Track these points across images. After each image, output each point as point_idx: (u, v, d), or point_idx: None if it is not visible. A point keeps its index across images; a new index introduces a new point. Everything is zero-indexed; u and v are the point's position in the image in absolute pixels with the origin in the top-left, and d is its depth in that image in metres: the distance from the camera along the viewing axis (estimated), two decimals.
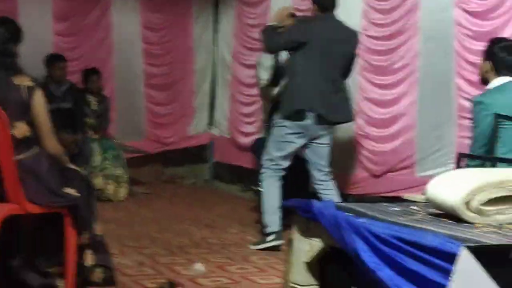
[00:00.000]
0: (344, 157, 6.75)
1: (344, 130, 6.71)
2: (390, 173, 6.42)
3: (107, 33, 8.02)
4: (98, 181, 7.04)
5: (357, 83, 6.56)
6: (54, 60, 7.10)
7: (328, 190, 5.36)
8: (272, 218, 5.20)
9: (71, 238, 3.43)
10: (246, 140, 7.81)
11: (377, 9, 6.51)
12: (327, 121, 5.27)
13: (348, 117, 5.52)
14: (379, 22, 6.50)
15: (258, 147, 6.05)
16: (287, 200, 3.36)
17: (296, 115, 5.20)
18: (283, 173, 5.35)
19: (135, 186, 7.72)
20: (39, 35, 7.34)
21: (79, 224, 3.45)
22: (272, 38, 5.37)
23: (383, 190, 6.38)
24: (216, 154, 8.72)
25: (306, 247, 2.83)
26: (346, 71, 5.44)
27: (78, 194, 3.41)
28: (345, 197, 6.45)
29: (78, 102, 7.21)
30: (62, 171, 3.47)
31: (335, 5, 5.39)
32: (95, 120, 7.41)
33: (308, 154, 5.37)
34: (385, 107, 6.47)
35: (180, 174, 8.85)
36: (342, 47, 5.32)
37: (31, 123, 3.30)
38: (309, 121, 5.19)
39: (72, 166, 3.63)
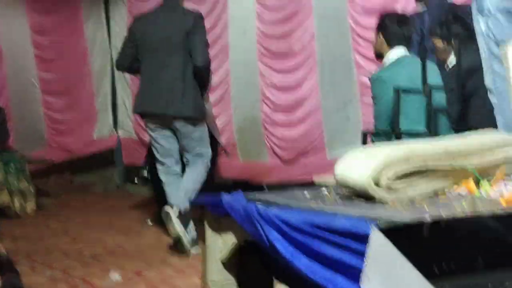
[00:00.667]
0: (254, 145, 6.73)
1: (251, 118, 6.68)
2: (301, 158, 6.43)
3: None
4: (4, 197, 6.76)
5: (258, 69, 6.52)
6: None
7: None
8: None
9: None
10: None
11: None
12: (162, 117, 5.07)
13: (181, 112, 5.02)
14: (272, 5, 6.46)
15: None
16: (195, 199, 3.28)
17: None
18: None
19: (43, 198, 7.45)
20: None
21: None
22: (117, 61, 5.39)
23: (296, 176, 6.37)
24: (125, 156, 8.51)
25: (220, 244, 2.74)
26: (186, 57, 5.02)
27: None
28: (260, 187, 6.42)
29: None
30: None
31: None
32: None
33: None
34: (288, 92, 6.46)
35: (90, 181, 8.61)
36: (165, 33, 5.02)
37: None
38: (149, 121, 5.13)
39: None
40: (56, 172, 8.28)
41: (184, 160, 5.20)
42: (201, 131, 5.17)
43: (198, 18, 5.10)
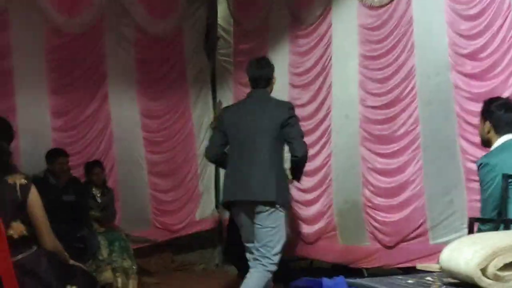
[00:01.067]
0: (355, 229, 6.65)
1: (352, 202, 6.64)
2: (403, 243, 6.29)
3: (106, 124, 8.04)
4: (107, 274, 6.90)
5: (360, 153, 6.51)
6: (55, 155, 7.03)
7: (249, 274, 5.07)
8: None
9: None
10: None
11: (373, 79, 6.52)
12: (244, 202, 5.08)
13: (266, 196, 5.01)
14: (376, 91, 6.50)
15: None
16: (295, 281, 3.26)
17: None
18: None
19: (145, 277, 7.56)
20: (38, 131, 7.39)
21: None
22: (206, 150, 5.58)
23: (397, 261, 6.24)
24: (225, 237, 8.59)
25: None
26: (276, 146, 5.11)
27: None
28: (359, 271, 6.31)
29: (82, 195, 7.12)
30: (62, 268, 3.37)
31: (264, 80, 5.23)
32: (100, 213, 7.31)
33: None
34: (390, 176, 6.40)
35: (190, 260, 8.70)
36: (258, 123, 5.10)
37: (27, 222, 3.22)
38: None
39: (73, 262, 3.52)
40: (158, 251, 8.42)
41: (248, 254, 5.14)
42: (278, 223, 5.08)
43: (292, 109, 5.20)
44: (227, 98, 8.47)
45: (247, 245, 5.16)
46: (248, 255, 5.16)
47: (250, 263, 5.10)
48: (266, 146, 5.07)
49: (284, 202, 5.15)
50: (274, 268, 5.00)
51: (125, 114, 8.17)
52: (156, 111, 8.40)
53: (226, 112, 5.39)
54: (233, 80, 8.38)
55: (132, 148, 8.24)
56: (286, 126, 5.07)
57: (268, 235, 5.01)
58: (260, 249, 5.03)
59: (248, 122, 5.12)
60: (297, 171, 5.26)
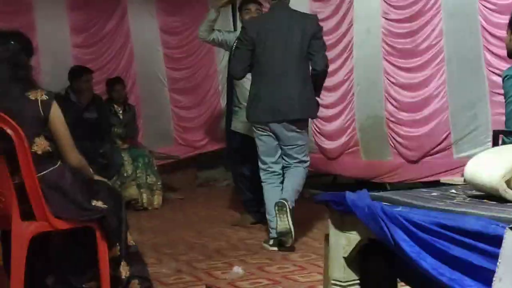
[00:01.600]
0: (377, 144, 6.64)
1: (375, 117, 6.60)
2: (426, 158, 6.28)
3: (126, 41, 8.00)
4: (132, 191, 7.02)
5: (383, 68, 6.44)
6: (80, 72, 6.93)
7: (287, 177, 5.18)
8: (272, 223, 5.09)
9: (103, 251, 3.35)
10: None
11: None
12: (278, 121, 5.06)
13: (304, 113, 5.11)
14: (398, 4, 6.36)
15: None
16: (319, 195, 3.27)
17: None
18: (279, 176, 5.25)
19: (169, 193, 7.68)
20: (57, 49, 7.38)
21: (110, 237, 3.36)
22: (233, 67, 5.34)
23: (421, 176, 6.25)
24: None
25: (343, 242, 2.72)
26: (305, 59, 5.05)
27: (106, 206, 3.33)
28: (383, 185, 6.34)
29: (104, 112, 7.14)
30: (87, 183, 3.40)
31: None
32: (123, 129, 7.35)
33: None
34: (414, 90, 6.34)
35: (214, 177, 8.78)
36: (289, 38, 5.02)
37: (50, 138, 3.23)
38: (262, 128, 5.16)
39: (98, 178, 3.56)
40: (182, 168, 8.51)
41: (285, 163, 5.22)
42: (305, 138, 5.27)
43: (318, 22, 5.17)
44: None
45: (266, 159, 5.21)
46: (266, 167, 5.23)
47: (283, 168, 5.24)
48: (297, 61, 5.03)
49: (313, 115, 5.39)
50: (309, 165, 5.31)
51: (144, 30, 8.13)
52: (176, 27, 8.32)
53: (250, 27, 5.19)
54: None
55: (153, 65, 8.23)
56: (313, 38, 5.02)
57: (303, 150, 5.21)
58: (294, 162, 5.18)
59: (277, 37, 5.04)
60: (317, 85, 5.20)
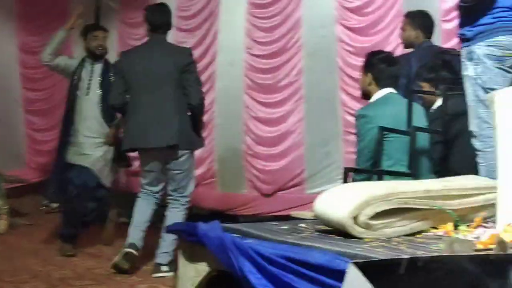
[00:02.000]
0: (234, 177, 6.68)
1: (233, 149, 6.65)
2: (280, 192, 6.40)
3: None
4: None
5: (243, 101, 6.52)
6: None
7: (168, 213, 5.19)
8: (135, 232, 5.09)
9: None
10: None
11: (260, 27, 6.50)
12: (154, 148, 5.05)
13: (169, 140, 4.98)
14: (262, 40, 6.49)
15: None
16: (172, 225, 3.23)
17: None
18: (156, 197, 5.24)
19: (16, 218, 7.32)
20: None
21: None
22: (111, 96, 5.25)
23: (274, 209, 6.33)
24: None
25: (192, 273, 2.69)
26: (179, 91, 5.03)
27: None
28: (236, 218, 6.36)
29: None
30: None
31: (165, 26, 5.18)
32: None
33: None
34: (272, 125, 6.45)
35: None
36: (158, 69, 5.02)
37: None
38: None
39: None
40: (31, 192, 8.17)
41: (168, 193, 5.19)
42: (190, 163, 5.19)
43: (191, 55, 5.19)
44: (111, 37, 8.20)
45: (151, 188, 5.17)
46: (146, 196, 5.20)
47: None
48: (169, 91, 5.00)
49: (190, 145, 5.18)
50: (188, 205, 5.22)
51: (2, 48, 7.79)
52: (36, 47, 8.02)
53: (126, 58, 5.20)
54: (119, 19, 8.11)
55: (8, 84, 7.90)
56: (186, 72, 5.02)
57: (181, 178, 5.12)
58: (172, 192, 5.15)
59: (150, 68, 5.02)
60: (195, 120, 5.17)
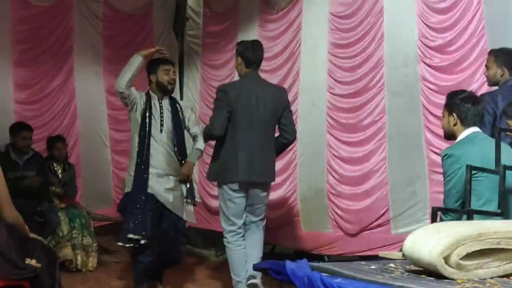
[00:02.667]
0: (317, 216, 6.67)
1: (316, 189, 6.65)
2: (365, 232, 6.34)
3: (71, 99, 7.93)
4: (67, 251, 6.84)
5: (326, 141, 6.52)
6: (18, 129, 6.93)
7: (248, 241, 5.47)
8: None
9: None
10: (216, 204, 7.67)
11: (342, 67, 6.53)
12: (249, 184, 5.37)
13: (268, 178, 5.50)
14: (344, 80, 6.51)
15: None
16: (259, 263, 3.26)
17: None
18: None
19: (105, 255, 7.50)
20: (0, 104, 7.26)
21: None
22: (206, 132, 5.50)
23: (359, 249, 6.28)
24: None
25: None
26: (273, 127, 5.49)
27: (39, 265, 3.23)
28: (321, 257, 6.35)
29: (43, 170, 7.03)
30: (22, 241, 3.30)
31: (259, 62, 5.48)
32: (61, 188, 7.22)
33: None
34: (355, 164, 6.43)
35: None
36: (266, 106, 5.36)
37: None
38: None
39: (33, 236, 3.46)
40: (118, 230, 8.32)
41: (247, 222, 5.46)
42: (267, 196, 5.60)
43: (287, 94, 5.68)
44: (194, 79, 8.40)
45: (236, 220, 5.40)
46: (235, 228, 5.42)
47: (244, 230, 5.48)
48: (271, 128, 5.43)
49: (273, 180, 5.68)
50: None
51: (90, 90, 8.07)
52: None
53: (230, 90, 5.35)
54: (201, 61, 8.31)
55: (96, 124, 8.15)
56: (285, 110, 5.43)
57: (264, 210, 5.55)
58: (256, 221, 5.50)
59: (256, 103, 5.32)
60: (280, 152, 5.73)
